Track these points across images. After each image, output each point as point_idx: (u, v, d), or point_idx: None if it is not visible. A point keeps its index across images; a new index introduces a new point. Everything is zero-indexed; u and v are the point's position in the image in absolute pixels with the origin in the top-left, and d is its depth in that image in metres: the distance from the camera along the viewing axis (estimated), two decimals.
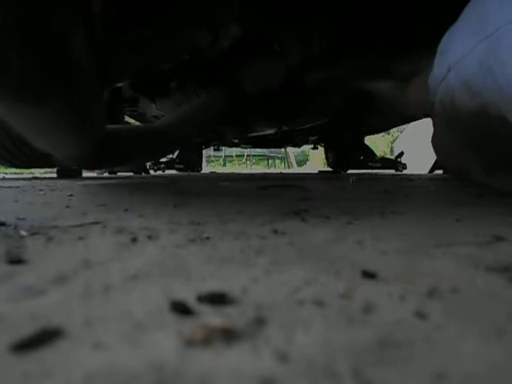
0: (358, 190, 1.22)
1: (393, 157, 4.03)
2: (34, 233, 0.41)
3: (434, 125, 0.83)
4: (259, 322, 0.19)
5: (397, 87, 1.20)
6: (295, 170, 10.31)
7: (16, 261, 0.29)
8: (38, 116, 0.79)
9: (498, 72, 0.49)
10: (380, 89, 1.32)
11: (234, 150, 10.22)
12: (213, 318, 0.19)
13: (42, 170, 3.02)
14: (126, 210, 0.61)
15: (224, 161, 11.23)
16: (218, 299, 0.21)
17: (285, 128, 2.23)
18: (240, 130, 2.27)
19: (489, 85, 0.51)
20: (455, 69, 0.58)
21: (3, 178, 2.23)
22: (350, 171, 3.58)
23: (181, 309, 0.20)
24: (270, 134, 2.41)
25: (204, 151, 3.93)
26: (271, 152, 11.75)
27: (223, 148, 4.89)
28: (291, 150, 12.29)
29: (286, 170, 8.01)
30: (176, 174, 3.08)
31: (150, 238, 0.39)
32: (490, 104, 0.53)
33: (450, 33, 0.63)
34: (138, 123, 2.38)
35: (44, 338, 0.17)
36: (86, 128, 0.97)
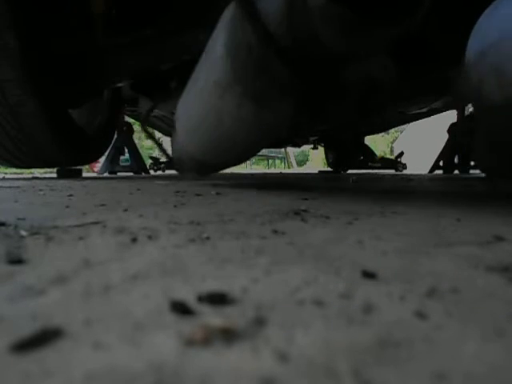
0: (358, 189, 1.22)
1: (393, 157, 4.03)
2: (34, 233, 0.41)
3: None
4: (259, 322, 0.19)
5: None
6: (295, 169, 10.30)
7: (16, 261, 0.29)
8: (256, 121, 0.81)
9: None
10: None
11: None
12: (213, 318, 0.19)
13: (42, 170, 3.02)
14: (125, 210, 0.61)
15: None
16: (218, 299, 0.21)
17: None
18: None
19: None
20: (490, 53, 0.52)
21: (3, 178, 2.24)
22: (350, 171, 3.58)
23: (181, 309, 0.20)
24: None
25: None
26: (271, 152, 11.74)
27: None
28: (291, 150, 12.30)
29: (286, 170, 8.01)
30: (176, 174, 3.08)
31: (149, 238, 0.39)
32: None
33: (489, 10, 0.56)
34: (138, 123, 2.38)
35: (44, 337, 0.17)
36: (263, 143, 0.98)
